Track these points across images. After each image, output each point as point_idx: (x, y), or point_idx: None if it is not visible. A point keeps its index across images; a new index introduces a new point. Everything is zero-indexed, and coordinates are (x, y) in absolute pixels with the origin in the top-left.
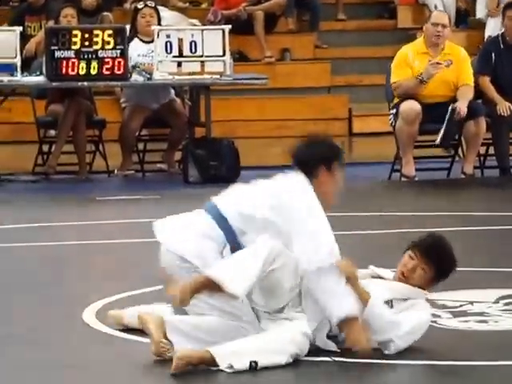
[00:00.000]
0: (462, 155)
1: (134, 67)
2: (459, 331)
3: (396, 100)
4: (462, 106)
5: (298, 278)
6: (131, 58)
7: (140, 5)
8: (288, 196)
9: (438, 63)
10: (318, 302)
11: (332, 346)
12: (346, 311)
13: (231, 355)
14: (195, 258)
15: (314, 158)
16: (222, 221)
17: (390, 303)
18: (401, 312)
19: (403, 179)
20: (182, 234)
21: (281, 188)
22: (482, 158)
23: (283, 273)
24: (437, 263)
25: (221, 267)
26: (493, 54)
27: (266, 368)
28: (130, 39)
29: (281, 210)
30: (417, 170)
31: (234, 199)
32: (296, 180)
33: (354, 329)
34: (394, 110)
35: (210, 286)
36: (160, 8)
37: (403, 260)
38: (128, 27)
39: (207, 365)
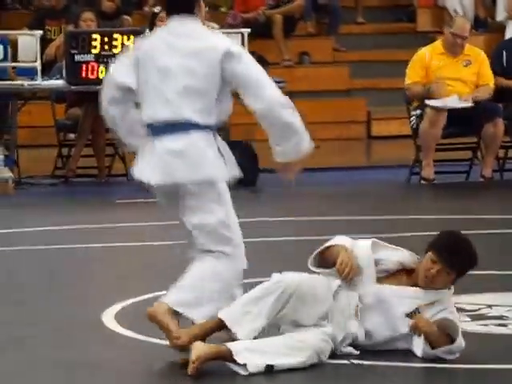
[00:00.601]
0: (480, 158)
1: None
2: (478, 335)
3: (418, 102)
4: (469, 96)
5: (324, 303)
6: None
7: (157, 9)
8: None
9: (442, 84)
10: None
11: (350, 350)
12: (309, 146)
13: (248, 353)
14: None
15: None
16: (199, 126)
17: (416, 311)
18: (433, 318)
19: (422, 182)
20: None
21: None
22: (501, 161)
23: (298, 312)
24: (459, 265)
25: (233, 310)
26: (504, 53)
27: (283, 370)
28: None
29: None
30: (436, 172)
31: (176, 99)
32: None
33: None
34: (418, 112)
35: (221, 327)
36: None
37: (426, 264)
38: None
39: (224, 359)
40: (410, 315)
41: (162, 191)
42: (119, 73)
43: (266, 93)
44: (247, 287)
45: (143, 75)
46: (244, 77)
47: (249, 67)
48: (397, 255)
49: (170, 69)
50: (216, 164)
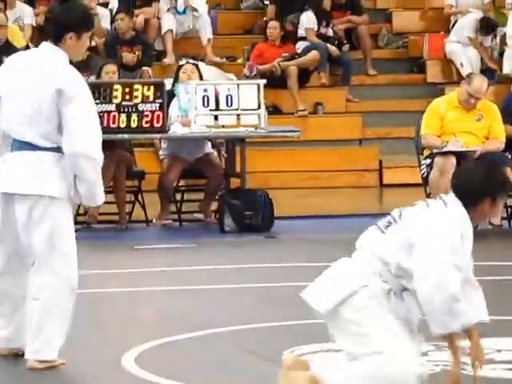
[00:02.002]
0: None
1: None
2: (486, 379)
3: (429, 151)
4: (478, 148)
5: None
6: (171, 116)
7: (182, 62)
8: None
9: (458, 141)
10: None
11: None
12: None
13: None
14: None
15: (62, 24)
16: None
17: None
18: None
19: None
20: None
21: None
22: (509, 209)
23: None
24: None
25: None
26: None
27: None
28: (173, 95)
29: None
30: None
31: None
32: None
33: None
34: (428, 161)
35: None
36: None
37: (487, 211)
38: (167, 81)
39: None
40: None
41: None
42: None
43: (78, 141)
44: (261, 331)
45: (5, 88)
46: (67, 118)
47: (74, 111)
48: None
49: (16, 93)
50: (55, 182)
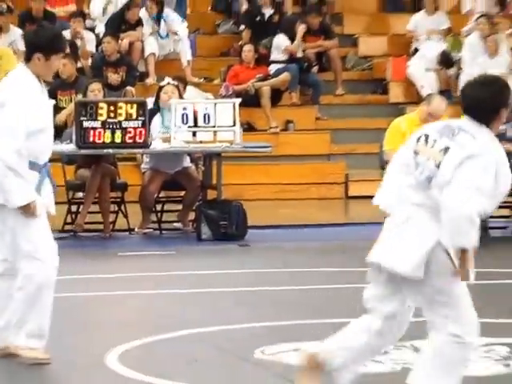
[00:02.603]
0: None
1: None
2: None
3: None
4: None
5: None
6: (152, 132)
7: (163, 83)
8: None
9: None
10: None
11: None
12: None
13: None
14: None
15: (32, 45)
16: None
17: None
18: None
19: None
20: None
21: None
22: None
23: None
24: None
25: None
26: None
27: None
28: (154, 113)
29: None
30: None
31: None
32: None
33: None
34: None
35: None
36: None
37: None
38: (149, 100)
39: None
40: None
41: None
42: None
43: None
44: (237, 332)
45: None
46: None
47: (2, 116)
48: None
49: None
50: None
